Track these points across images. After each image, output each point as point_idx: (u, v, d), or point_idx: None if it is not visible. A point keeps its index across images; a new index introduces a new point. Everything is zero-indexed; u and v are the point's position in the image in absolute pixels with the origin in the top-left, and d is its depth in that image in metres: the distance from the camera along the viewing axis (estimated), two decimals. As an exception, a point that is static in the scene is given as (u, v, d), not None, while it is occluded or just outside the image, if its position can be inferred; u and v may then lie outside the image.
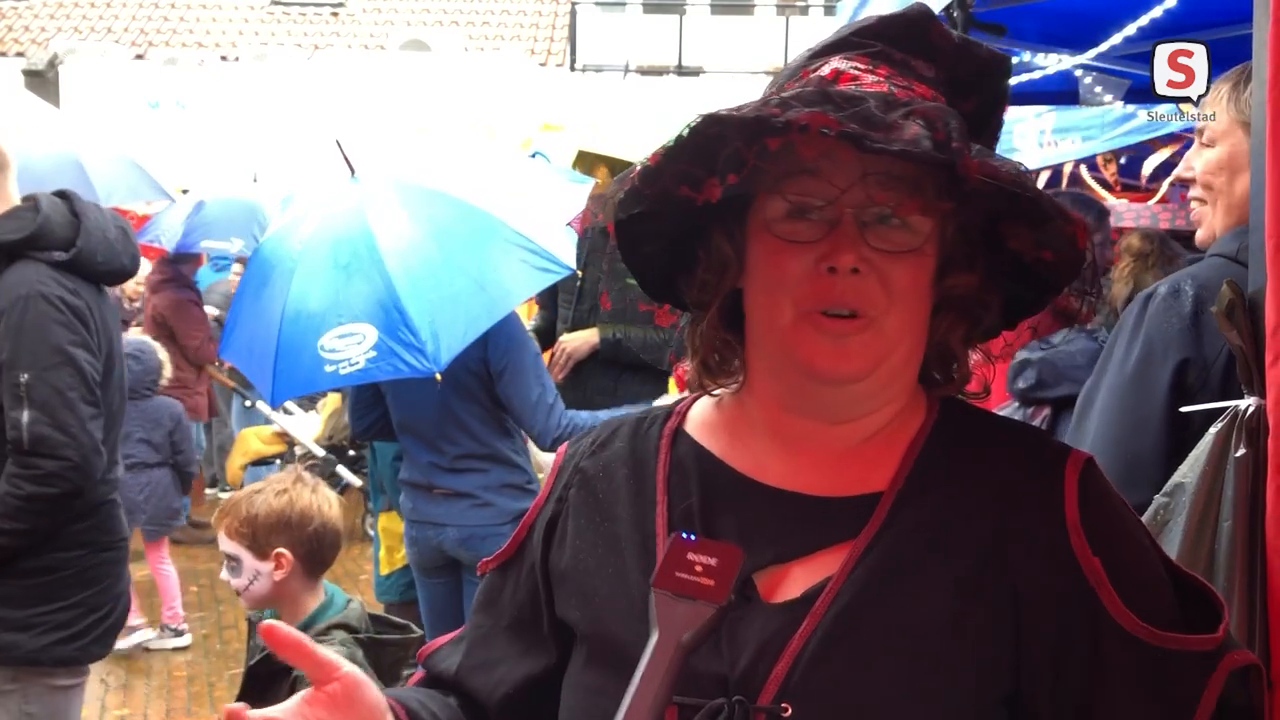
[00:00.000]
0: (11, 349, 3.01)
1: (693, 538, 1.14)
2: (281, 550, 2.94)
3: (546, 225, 3.97)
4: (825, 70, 1.20)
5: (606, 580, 1.25)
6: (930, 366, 1.27)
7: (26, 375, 2.99)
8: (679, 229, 1.27)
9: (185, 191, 8.91)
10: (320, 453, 8.34)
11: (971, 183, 1.08)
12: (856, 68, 1.18)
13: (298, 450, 8.47)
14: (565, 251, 3.94)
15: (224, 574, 3.00)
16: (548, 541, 1.33)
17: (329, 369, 3.72)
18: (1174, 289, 2.12)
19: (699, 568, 1.11)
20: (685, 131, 1.12)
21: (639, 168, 1.18)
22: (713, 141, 1.12)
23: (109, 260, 3.25)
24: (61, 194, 3.26)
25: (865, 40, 1.22)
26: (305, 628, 2.89)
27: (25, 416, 2.99)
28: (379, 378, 3.75)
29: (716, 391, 1.33)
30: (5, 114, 6.77)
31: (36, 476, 3.01)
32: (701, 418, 1.34)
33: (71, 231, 3.16)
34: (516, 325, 4.13)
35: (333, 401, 8.03)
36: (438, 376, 3.70)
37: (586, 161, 5.02)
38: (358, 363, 3.68)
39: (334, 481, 8.43)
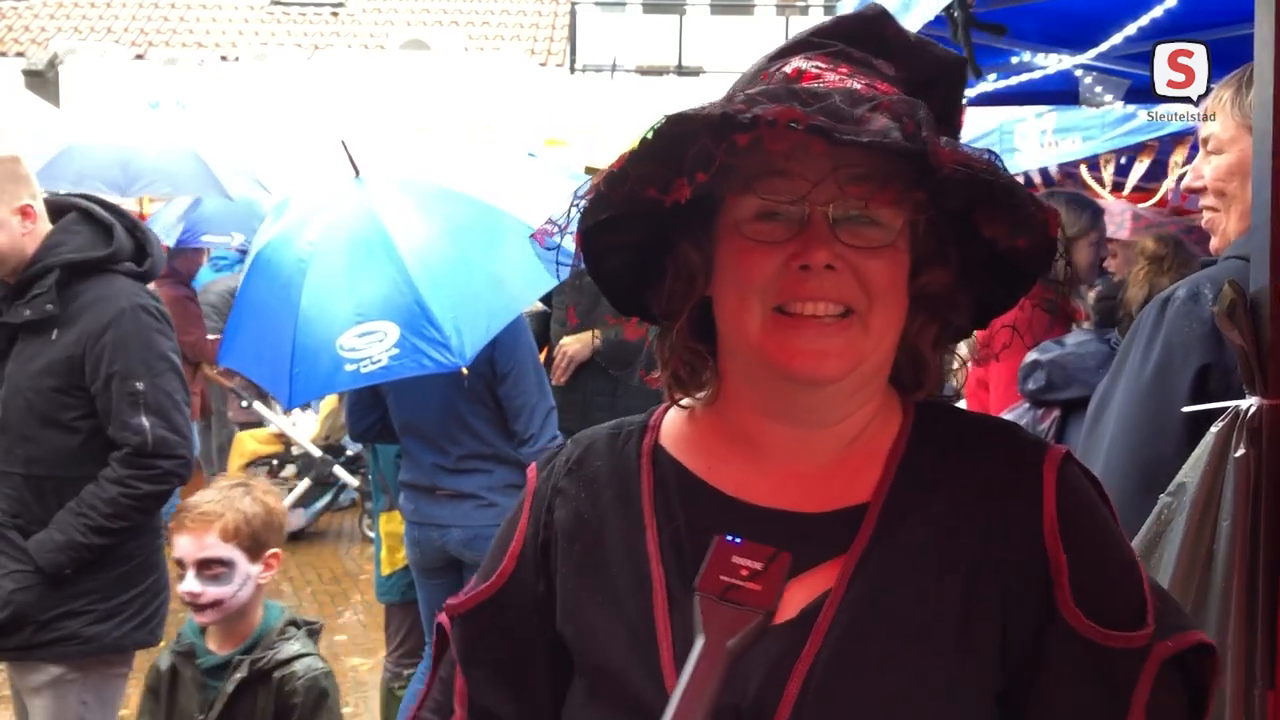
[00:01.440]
0: (124, 360, 3.21)
1: (738, 540, 1.12)
2: (276, 550, 2.93)
3: (557, 220, 3.98)
4: (787, 69, 1.18)
5: (599, 609, 1.22)
6: (900, 370, 1.25)
7: (142, 384, 3.22)
8: (644, 241, 1.25)
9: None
10: (317, 453, 8.33)
11: (944, 171, 1.06)
12: (818, 66, 1.17)
13: (294, 450, 8.46)
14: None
15: (194, 585, 2.80)
16: (545, 569, 1.28)
17: (349, 368, 3.70)
18: (1193, 292, 2.08)
19: (745, 571, 1.09)
20: (649, 134, 1.10)
21: (603, 174, 1.16)
22: (679, 142, 1.09)
23: (162, 268, 3.52)
24: (104, 204, 3.46)
25: (825, 40, 1.21)
26: (264, 633, 2.88)
27: (146, 422, 3.21)
28: (403, 374, 3.72)
29: (685, 403, 1.30)
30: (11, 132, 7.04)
31: (155, 476, 3.24)
32: (677, 432, 1.31)
33: (133, 244, 3.39)
34: (524, 329, 4.12)
35: (330, 402, 8.01)
36: (464, 371, 3.70)
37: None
38: (380, 360, 3.67)
39: (331, 481, 8.43)
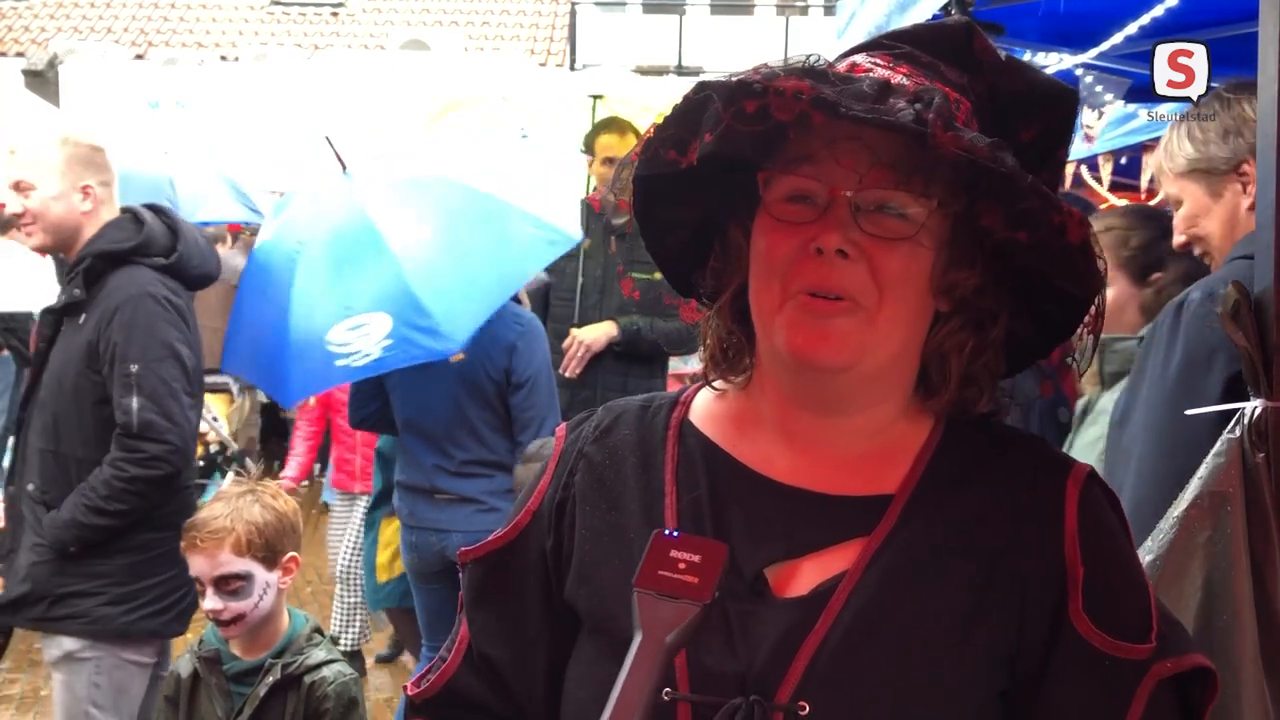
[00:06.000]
0: (123, 343, 3.35)
1: (675, 534, 1.13)
2: (293, 554, 2.91)
3: (548, 199, 3.97)
4: (843, 65, 1.20)
5: (612, 574, 1.24)
6: (928, 377, 1.25)
7: (136, 366, 3.32)
8: (701, 219, 1.29)
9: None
10: (234, 446, 8.26)
11: (945, 153, 1.07)
12: (875, 62, 1.19)
13: (212, 449, 8.34)
14: (570, 224, 3.94)
15: (215, 602, 2.81)
16: (556, 528, 1.31)
17: (340, 363, 3.68)
18: (1209, 293, 2.06)
19: (682, 565, 1.09)
20: (680, 101, 1.16)
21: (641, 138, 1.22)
22: (700, 107, 1.14)
23: (201, 265, 3.63)
24: (154, 208, 3.65)
25: (895, 43, 1.23)
26: (293, 639, 2.87)
27: (135, 403, 3.31)
28: (396, 365, 3.71)
29: (719, 385, 1.33)
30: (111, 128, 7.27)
31: (142, 459, 3.32)
32: (707, 409, 1.33)
33: (169, 240, 3.55)
34: (542, 339, 4.11)
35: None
36: (460, 355, 3.68)
37: (607, 127, 4.99)
38: (372, 353, 3.66)
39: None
